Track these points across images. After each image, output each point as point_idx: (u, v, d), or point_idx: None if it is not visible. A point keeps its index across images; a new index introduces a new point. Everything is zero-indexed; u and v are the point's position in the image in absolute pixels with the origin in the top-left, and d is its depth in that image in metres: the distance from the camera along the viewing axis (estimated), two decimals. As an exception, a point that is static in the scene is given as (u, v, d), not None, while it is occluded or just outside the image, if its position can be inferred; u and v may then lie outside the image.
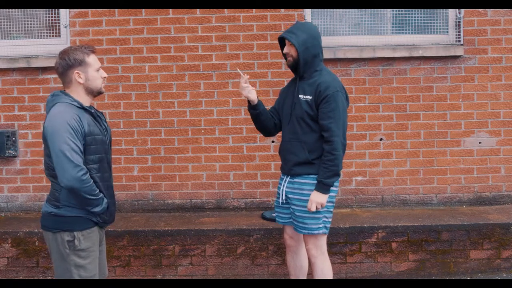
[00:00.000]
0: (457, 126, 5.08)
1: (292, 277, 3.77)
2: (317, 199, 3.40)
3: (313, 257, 3.54)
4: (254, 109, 3.60)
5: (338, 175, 3.43)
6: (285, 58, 3.58)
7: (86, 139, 2.84)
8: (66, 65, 2.89)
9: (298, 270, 3.74)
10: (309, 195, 3.45)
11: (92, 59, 2.93)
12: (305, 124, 3.46)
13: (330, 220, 3.55)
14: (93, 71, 2.93)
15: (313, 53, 3.45)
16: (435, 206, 5.10)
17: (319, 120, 3.42)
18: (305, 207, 3.45)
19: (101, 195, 2.90)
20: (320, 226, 3.48)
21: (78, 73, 2.90)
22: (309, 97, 3.43)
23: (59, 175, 2.78)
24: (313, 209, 3.39)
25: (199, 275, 4.49)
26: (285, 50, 3.52)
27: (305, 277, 3.78)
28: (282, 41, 3.59)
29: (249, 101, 3.58)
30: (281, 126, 3.67)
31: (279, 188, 3.65)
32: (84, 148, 2.83)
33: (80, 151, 2.79)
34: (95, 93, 2.99)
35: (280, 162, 3.67)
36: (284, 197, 3.58)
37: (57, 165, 2.78)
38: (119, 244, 4.46)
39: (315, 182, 3.44)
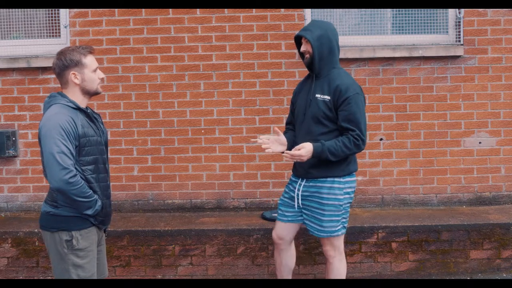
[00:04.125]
0: (457, 126, 5.08)
1: (277, 273, 3.75)
2: (307, 153, 3.27)
3: (331, 257, 3.54)
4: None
5: (337, 157, 3.33)
6: (302, 58, 3.49)
7: (80, 141, 2.84)
8: (62, 65, 2.89)
9: (283, 267, 3.72)
10: (327, 198, 3.40)
11: (89, 60, 2.92)
12: (322, 125, 3.38)
13: (347, 219, 3.54)
14: (90, 72, 2.93)
15: (329, 48, 3.39)
16: (435, 206, 5.09)
17: (339, 122, 3.35)
18: (324, 210, 3.41)
19: (95, 197, 2.88)
20: (339, 227, 3.46)
21: (74, 73, 2.90)
22: (327, 97, 3.36)
23: (48, 176, 2.80)
24: (295, 155, 3.27)
25: (199, 275, 4.49)
26: (302, 48, 3.45)
27: (289, 276, 3.77)
28: (298, 42, 3.52)
29: None
30: None
31: (290, 189, 3.59)
32: (78, 150, 2.84)
33: (71, 153, 2.79)
34: (92, 94, 2.99)
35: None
36: (299, 202, 3.50)
37: (47, 167, 2.80)
38: (119, 244, 4.46)
39: (333, 185, 3.39)
